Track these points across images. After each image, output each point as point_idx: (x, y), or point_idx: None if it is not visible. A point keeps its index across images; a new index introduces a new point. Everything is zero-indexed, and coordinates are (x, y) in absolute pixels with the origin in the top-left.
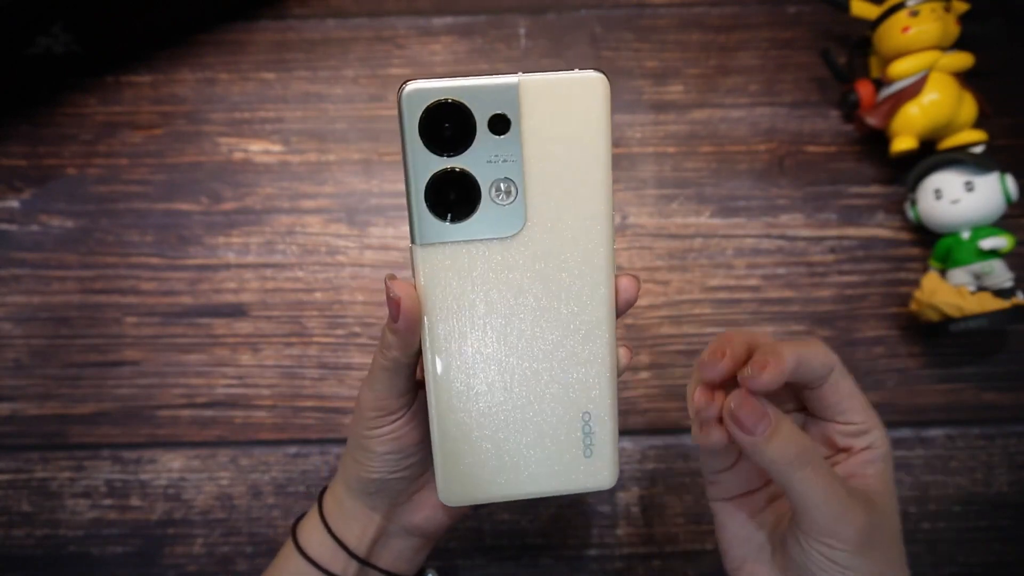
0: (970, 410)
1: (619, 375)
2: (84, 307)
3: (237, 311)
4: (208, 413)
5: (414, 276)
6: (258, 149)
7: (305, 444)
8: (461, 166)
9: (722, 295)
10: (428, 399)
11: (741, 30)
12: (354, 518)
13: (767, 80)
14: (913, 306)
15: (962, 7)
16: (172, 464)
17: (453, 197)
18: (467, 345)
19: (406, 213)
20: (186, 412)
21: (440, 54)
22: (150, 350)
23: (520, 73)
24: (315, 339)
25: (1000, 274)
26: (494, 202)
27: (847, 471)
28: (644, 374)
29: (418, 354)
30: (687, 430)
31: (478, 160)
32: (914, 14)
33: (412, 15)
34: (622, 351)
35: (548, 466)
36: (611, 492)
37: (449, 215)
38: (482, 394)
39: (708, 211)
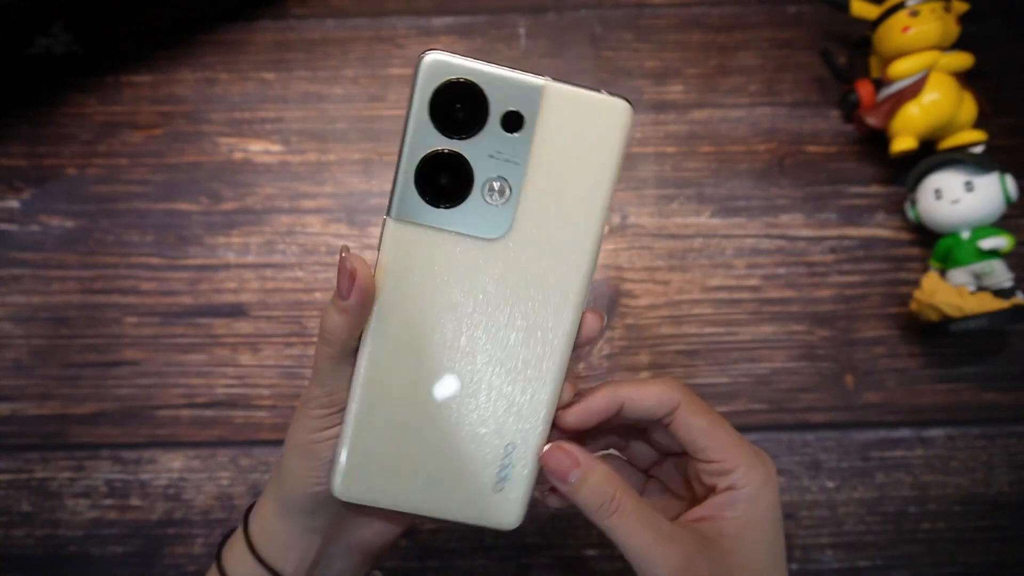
0: (970, 410)
1: (558, 408)
2: (84, 307)
3: (237, 311)
4: (208, 413)
5: (379, 250)
6: (258, 149)
7: None
8: (462, 152)
9: (722, 295)
10: (354, 379)
11: (741, 30)
12: (290, 544)
13: (767, 80)
14: (913, 306)
15: (962, 7)
16: (172, 464)
17: (444, 181)
18: (411, 336)
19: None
20: (186, 412)
21: None
22: (150, 350)
23: (548, 77)
24: (315, 339)
25: (1000, 274)
26: (484, 199)
27: (703, 513)
28: (644, 374)
29: None
30: None
31: (480, 151)
32: (914, 14)
33: (412, 15)
34: (567, 386)
35: (454, 490)
36: None
37: (434, 198)
38: (412, 391)
39: (708, 211)
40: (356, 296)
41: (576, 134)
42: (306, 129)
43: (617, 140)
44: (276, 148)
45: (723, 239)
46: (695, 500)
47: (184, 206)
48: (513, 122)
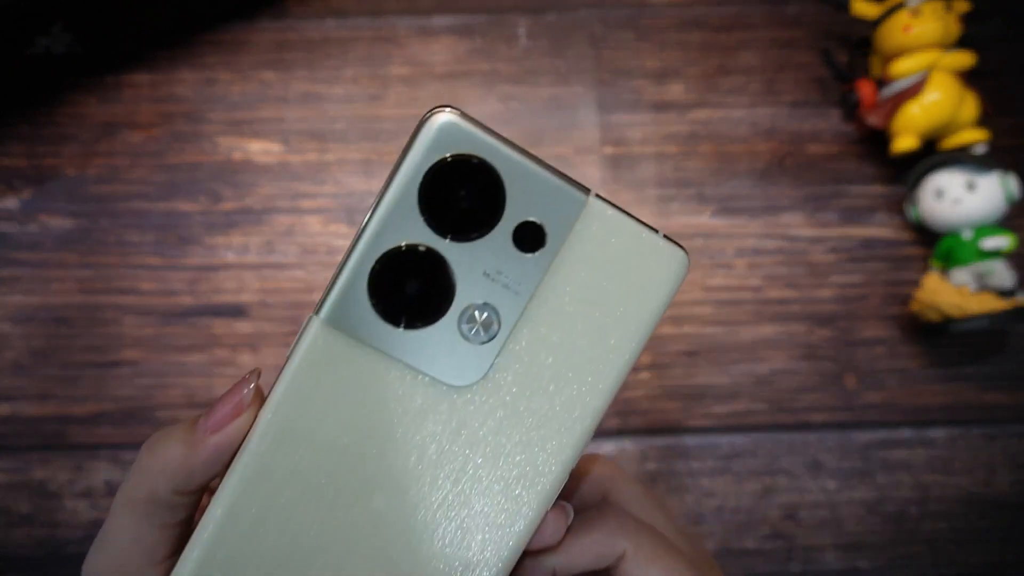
0: (971, 410)
1: None
2: (84, 307)
3: (237, 311)
4: None
5: (289, 357)
6: (258, 149)
7: None
8: (447, 258)
9: (723, 295)
10: (205, 518)
11: (741, 30)
12: None
13: (767, 80)
14: (914, 306)
15: (963, 6)
16: None
17: (410, 291)
18: (298, 487)
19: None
20: (186, 412)
21: (440, 54)
22: (150, 350)
23: (594, 191)
24: None
25: (1002, 274)
26: (459, 330)
27: None
28: (644, 374)
29: (199, 492)
30: (688, 430)
31: (473, 264)
32: (915, 13)
33: (412, 15)
34: None
35: None
36: None
37: (390, 311)
38: (276, 565)
39: (708, 211)
40: (225, 437)
41: (610, 276)
42: (306, 129)
43: (661, 297)
44: (276, 148)
45: (723, 239)
46: None
47: (184, 206)
48: (530, 238)
